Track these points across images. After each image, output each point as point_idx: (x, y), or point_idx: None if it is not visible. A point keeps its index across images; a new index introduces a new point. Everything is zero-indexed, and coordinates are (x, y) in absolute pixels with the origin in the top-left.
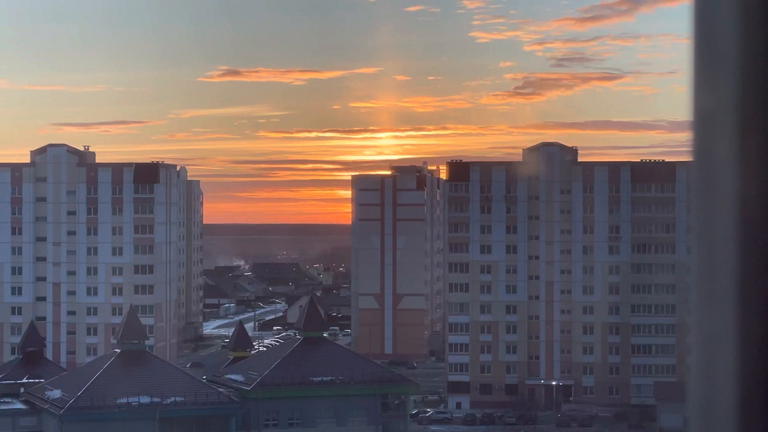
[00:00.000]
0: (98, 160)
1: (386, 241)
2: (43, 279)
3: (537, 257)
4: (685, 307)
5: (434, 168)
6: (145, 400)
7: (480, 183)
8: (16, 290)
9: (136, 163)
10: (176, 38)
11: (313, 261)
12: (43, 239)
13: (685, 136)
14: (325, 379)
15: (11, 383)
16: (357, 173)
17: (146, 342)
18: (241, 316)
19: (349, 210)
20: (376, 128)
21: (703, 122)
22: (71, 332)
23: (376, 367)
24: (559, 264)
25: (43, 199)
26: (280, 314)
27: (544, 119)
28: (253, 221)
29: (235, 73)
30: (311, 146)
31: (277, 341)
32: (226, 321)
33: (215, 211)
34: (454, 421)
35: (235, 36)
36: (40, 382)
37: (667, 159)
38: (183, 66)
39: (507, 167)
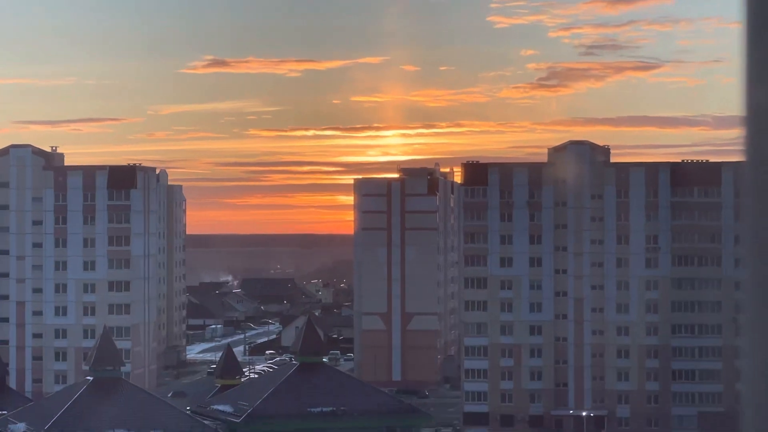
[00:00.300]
0: (67, 162)
1: (393, 253)
2: (5, 297)
3: (564, 271)
4: (734, 327)
5: (447, 170)
6: None
7: (499, 187)
8: None
9: (110, 166)
10: (155, 24)
11: (310, 276)
12: (5, 252)
13: (735, 134)
14: (324, 410)
15: None
16: (360, 176)
17: (122, 368)
18: (230, 339)
19: (352, 218)
20: (381, 125)
21: (757, 118)
22: (37, 357)
23: (382, 396)
24: (590, 279)
25: (5, 207)
26: (274, 336)
27: (571, 115)
28: (243, 231)
29: (222, 63)
30: (308, 146)
31: (271, 367)
32: (213, 344)
33: (200, 219)
34: None
35: (222, 21)
36: (2, 414)
37: (712, 159)
38: (163, 55)
39: (530, 169)
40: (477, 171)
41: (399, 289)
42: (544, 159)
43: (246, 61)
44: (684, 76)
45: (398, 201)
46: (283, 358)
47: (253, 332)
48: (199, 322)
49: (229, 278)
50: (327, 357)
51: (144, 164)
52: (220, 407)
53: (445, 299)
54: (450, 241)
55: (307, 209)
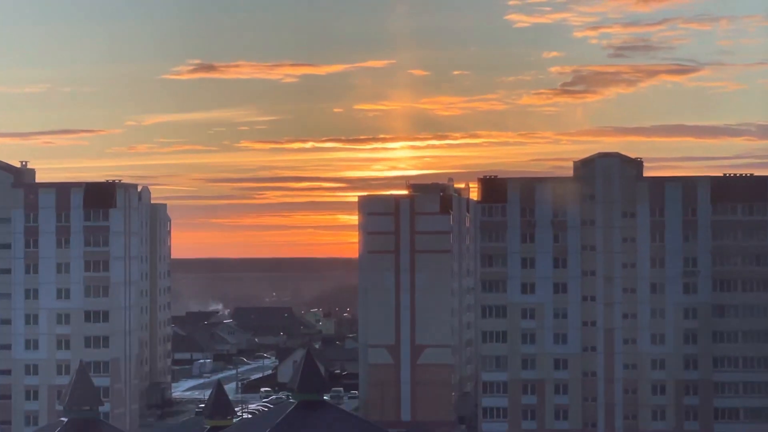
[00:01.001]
0: (39, 178)
1: (402, 278)
2: None
3: (593, 298)
4: None
5: (462, 186)
6: None
7: (520, 204)
8: None
9: (86, 183)
10: (136, 25)
11: (310, 305)
12: None
13: None
14: None
15: None
16: (365, 193)
17: (101, 408)
18: (220, 375)
19: (356, 240)
20: (387, 137)
21: None
22: (5, 396)
23: None
24: (621, 306)
25: None
26: (269, 372)
27: (600, 124)
28: (235, 255)
29: (210, 68)
30: (307, 160)
31: (266, 406)
32: (201, 381)
33: (187, 242)
34: None
35: (209, 22)
36: None
37: (757, 172)
38: (145, 60)
39: (554, 184)
40: (495, 187)
41: (408, 318)
42: (570, 173)
43: (236, 66)
44: (725, 80)
45: (407, 220)
46: (279, 396)
47: (246, 367)
48: (186, 356)
49: (220, 307)
50: (329, 394)
51: (124, 180)
52: None
53: (460, 329)
54: (465, 264)
55: (305, 230)
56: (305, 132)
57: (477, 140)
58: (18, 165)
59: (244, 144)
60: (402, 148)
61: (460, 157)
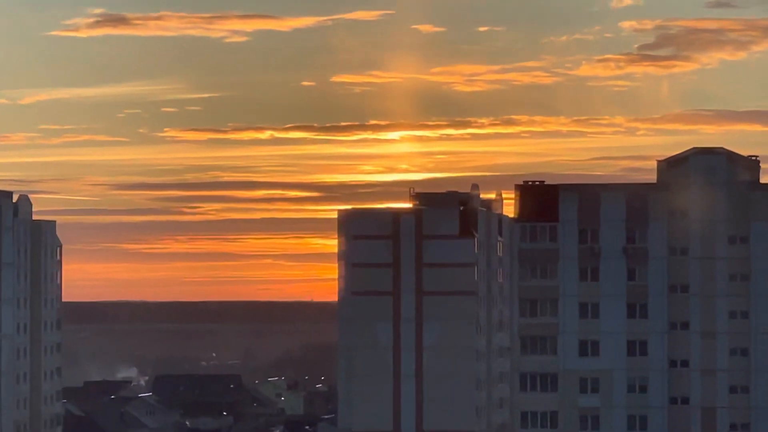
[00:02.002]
0: None
1: (404, 333)
2: None
3: (685, 363)
4: None
5: (493, 197)
6: None
7: (578, 223)
8: None
9: None
10: None
11: (267, 371)
12: None
13: None
14: None
15: None
16: (348, 207)
17: None
18: None
19: (334, 276)
20: (382, 123)
21: None
22: None
23: None
24: (728, 376)
25: None
26: None
27: (695, 105)
28: (156, 296)
29: (120, 20)
30: (262, 157)
31: None
32: None
33: (86, 277)
34: None
35: None
36: None
37: None
38: (22, 8)
39: (628, 195)
40: (541, 198)
41: (413, 391)
42: (652, 178)
43: (158, 18)
44: None
45: (411, 247)
46: None
47: None
48: None
49: (133, 375)
50: None
51: None
52: None
53: (489, 409)
54: (497, 312)
55: (261, 261)
56: (260, 116)
57: (513, 129)
58: None
59: (168, 133)
60: (403, 140)
61: (489, 153)
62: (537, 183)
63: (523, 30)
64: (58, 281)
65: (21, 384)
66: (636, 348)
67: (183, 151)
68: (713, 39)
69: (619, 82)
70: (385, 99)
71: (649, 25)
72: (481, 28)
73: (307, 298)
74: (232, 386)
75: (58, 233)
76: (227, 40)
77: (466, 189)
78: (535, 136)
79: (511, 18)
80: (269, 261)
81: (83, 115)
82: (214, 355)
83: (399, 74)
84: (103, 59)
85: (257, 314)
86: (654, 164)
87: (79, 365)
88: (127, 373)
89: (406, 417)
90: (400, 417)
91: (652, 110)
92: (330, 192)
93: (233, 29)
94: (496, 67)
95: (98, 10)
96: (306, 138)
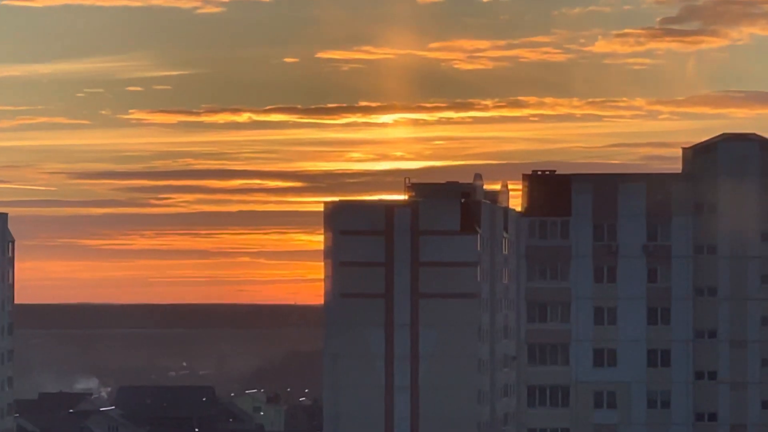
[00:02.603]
0: None
1: (399, 340)
2: None
3: (713, 374)
4: None
5: (498, 187)
6: None
7: (593, 218)
8: None
9: None
10: None
11: (243, 382)
12: None
13: None
14: None
15: None
16: (336, 198)
17: None
18: None
19: (320, 276)
20: (374, 105)
21: None
22: None
23: None
24: (760, 389)
25: None
26: None
27: (725, 86)
28: (120, 299)
29: None
30: (240, 142)
31: None
32: None
33: (41, 276)
34: None
35: None
36: None
37: None
38: None
39: (650, 185)
40: (552, 189)
41: (407, 406)
42: (677, 167)
43: None
44: None
45: (407, 244)
46: None
47: None
48: None
49: (95, 386)
50: None
51: None
52: None
53: (493, 425)
54: (502, 317)
55: (237, 258)
56: (236, 97)
57: (521, 112)
58: None
59: (134, 115)
60: (397, 124)
61: (494, 139)
62: (547, 173)
63: (531, 1)
64: (10, 281)
65: None
66: (657, 358)
67: (150, 136)
68: (744, 12)
69: (640, 60)
70: (377, 78)
71: None
72: None
73: (289, 301)
74: (204, 399)
75: (11, 227)
76: (200, 11)
77: (468, 179)
78: (545, 119)
79: None
80: (247, 259)
81: (39, 94)
82: (184, 364)
83: (393, 50)
84: (62, 32)
85: (233, 319)
86: (678, 152)
87: (33, 375)
88: (86, 384)
89: None
90: None
91: (676, 92)
92: (315, 182)
93: None
94: (501, 43)
95: None
96: (288, 121)
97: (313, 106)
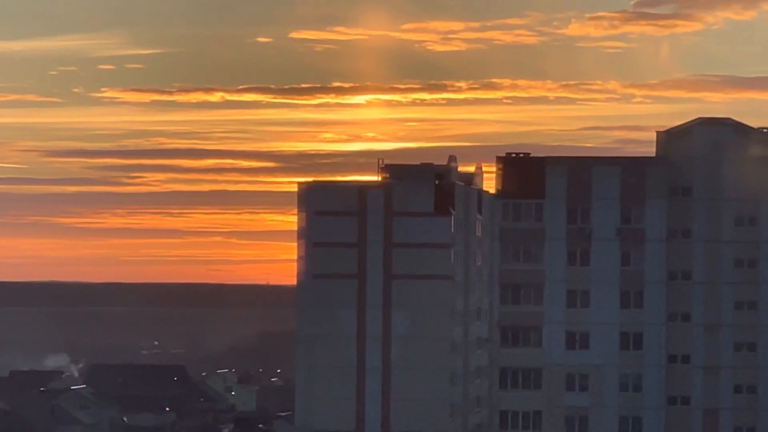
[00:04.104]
0: None
1: (371, 321)
2: None
3: (686, 358)
4: None
5: (473, 170)
6: None
7: (567, 201)
8: None
9: None
10: None
11: (215, 362)
12: None
13: None
14: None
15: None
16: (309, 179)
17: None
18: None
19: (293, 256)
20: (347, 86)
21: None
22: None
23: None
24: (733, 374)
25: None
26: None
27: (698, 70)
28: (91, 277)
29: None
30: (212, 122)
31: None
32: None
33: (12, 254)
34: None
35: None
36: None
37: None
38: None
39: (623, 169)
40: (525, 172)
41: (379, 387)
42: (650, 151)
43: None
44: None
45: (380, 225)
46: None
47: None
48: None
49: (66, 364)
50: None
51: None
52: None
53: (465, 407)
54: (475, 299)
55: (210, 238)
56: (209, 76)
57: (495, 94)
58: None
59: (106, 93)
60: (371, 105)
61: (468, 121)
62: (521, 155)
63: None
64: None
65: None
66: (630, 341)
67: (123, 114)
68: None
69: (614, 43)
70: (351, 59)
71: None
72: None
73: (262, 281)
74: (175, 378)
75: None
76: None
77: (442, 161)
78: (518, 102)
79: None
80: (219, 239)
81: (10, 72)
82: (156, 343)
83: (366, 31)
84: (33, 9)
85: (205, 298)
86: (652, 136)
87: (3, 353)
88: (57, 362)
89: (371, 415)
90: (365, 415)
91: (650, 75)
92: (288, 162)
93: None
94: (475, 24)
95: None
96: (261, 101)
97: (286, 87)
